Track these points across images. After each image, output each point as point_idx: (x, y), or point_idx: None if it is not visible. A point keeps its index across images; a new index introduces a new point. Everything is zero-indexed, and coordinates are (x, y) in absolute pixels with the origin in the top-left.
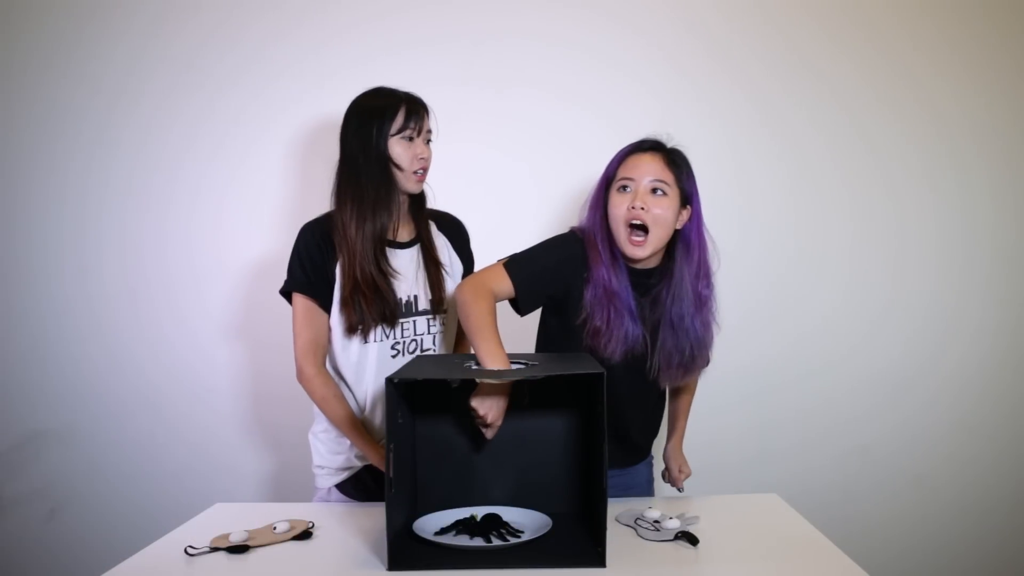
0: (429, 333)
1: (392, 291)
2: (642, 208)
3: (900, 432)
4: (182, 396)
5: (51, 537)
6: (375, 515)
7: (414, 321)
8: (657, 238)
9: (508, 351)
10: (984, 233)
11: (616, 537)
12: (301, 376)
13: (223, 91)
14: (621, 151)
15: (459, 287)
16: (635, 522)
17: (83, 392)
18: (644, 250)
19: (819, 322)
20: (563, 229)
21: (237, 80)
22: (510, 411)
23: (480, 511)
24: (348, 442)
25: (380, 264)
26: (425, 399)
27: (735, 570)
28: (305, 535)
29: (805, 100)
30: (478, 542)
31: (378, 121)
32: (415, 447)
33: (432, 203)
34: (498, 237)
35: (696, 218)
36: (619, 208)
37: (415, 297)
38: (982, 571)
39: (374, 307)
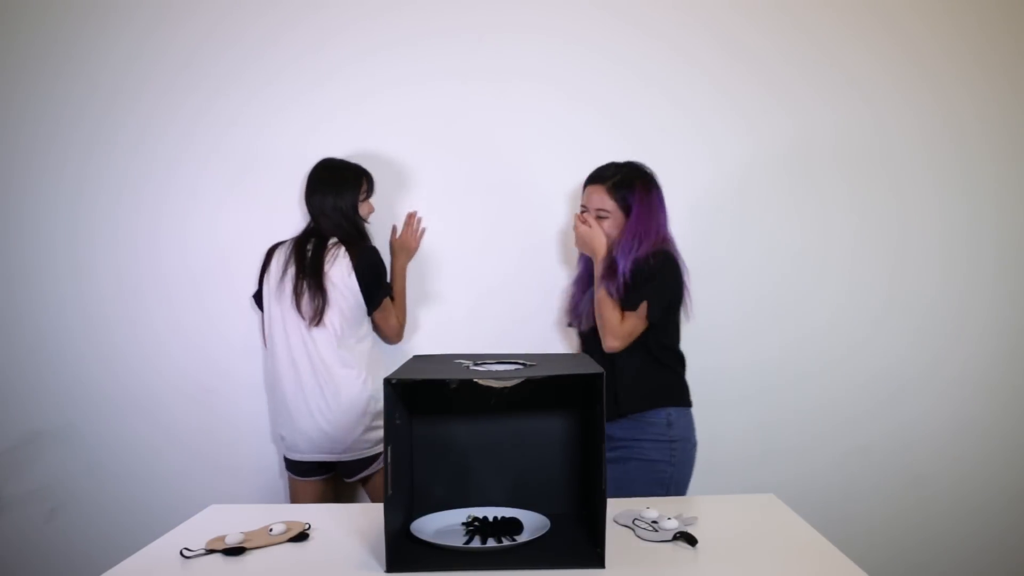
0: None
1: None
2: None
3: (900, 433)
4: (181, 397)
5: (51, 537)
6: (372, 516)
7: None
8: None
9: (504, 352)
10: (985, 234)
11: (614, 538)
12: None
13: (221, 90)
14: (585, 180)
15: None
16: (633, 522)
17: (83, 392)
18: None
19: (820, 322)
20: (566, 229)
21: (235, 79)
22: (508, 412)
23: (478, 512)
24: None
25: None
26: (423, 400)
27: (733, 571)
28: (301, 537)
29: (805, 99)
30: (476, 543)
31: (352, 189)
32: (412, 448)
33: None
34: (498, 237)
35: (630, 226)
36: None
37: None
38: (981, 572)
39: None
